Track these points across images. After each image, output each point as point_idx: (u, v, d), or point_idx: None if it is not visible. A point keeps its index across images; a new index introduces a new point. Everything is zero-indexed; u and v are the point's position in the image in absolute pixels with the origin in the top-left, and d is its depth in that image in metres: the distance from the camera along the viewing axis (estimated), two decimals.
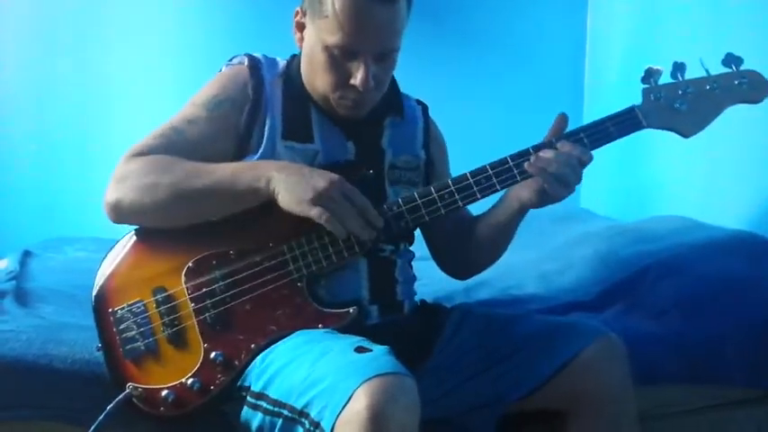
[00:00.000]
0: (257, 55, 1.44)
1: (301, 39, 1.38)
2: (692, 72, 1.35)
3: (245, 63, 1.41)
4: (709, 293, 1.64)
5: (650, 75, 1.34)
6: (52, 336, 1.43)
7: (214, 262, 1.31)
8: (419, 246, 1.55)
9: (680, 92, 1.34)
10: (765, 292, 1.63)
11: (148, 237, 1.35)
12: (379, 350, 1.13)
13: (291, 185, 1.23)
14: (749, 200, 2.00)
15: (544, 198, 1.32)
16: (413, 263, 1.52)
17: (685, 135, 1.36)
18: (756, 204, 1.99)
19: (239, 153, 1.37)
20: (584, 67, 3.23)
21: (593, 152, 1.31)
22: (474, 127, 2.96)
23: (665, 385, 1.54)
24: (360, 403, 1.03)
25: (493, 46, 3.16)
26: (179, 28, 3.00)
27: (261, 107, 1.38)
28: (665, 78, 1.34)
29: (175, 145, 1.33)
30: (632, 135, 1.36)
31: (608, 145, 1.34)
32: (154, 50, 2.96)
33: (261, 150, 1.35)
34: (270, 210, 1.27)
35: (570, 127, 1.34)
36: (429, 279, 1.78)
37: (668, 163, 2.45)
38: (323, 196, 1.22)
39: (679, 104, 1.34)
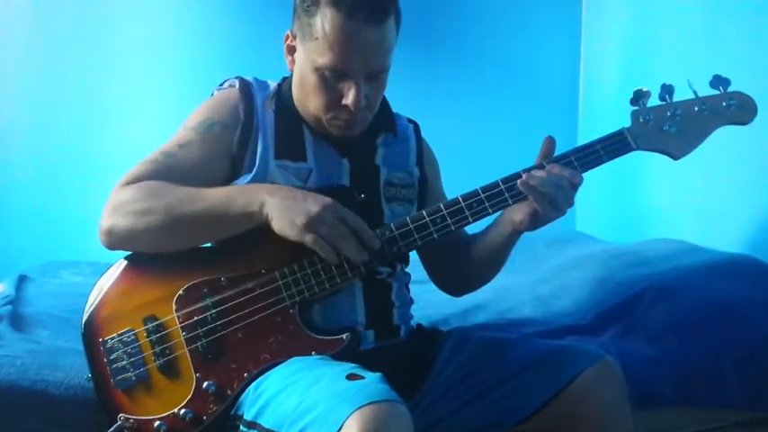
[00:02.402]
0: (248, 78, 1.45)
1: (292, 62, 1.39)
2: (681, 92, 1.36)
3: (236, 86, 1.42)
4: (704, 316, 1.64)
5: (639, 97, 1.35)
6: (48, 361, 1.42)
7: (205, 290, 1.30)
8: (415, 269, 1.55)
9: (669, 114, 1.35)
10: (761, 315, 1.63)
11: (138, 264, 1.35)
12: (371, 377, 1.13)
13: (284, 210, 1.23)
14: (745, 223, 2.00)
15: (536, 220, 1.32)
16: (409, 286, 1.52)
17: (675, 157, 1.36)
18: (752, 227, 1.99)
19: (232, 174, 1.37)
20: (578, 87, 3.24)
21: (585, 175, 1.32)
22: (470, 147, 2.97)
23: (663, 408, 1.54)
24: (351, 431, 1.02)
25: (488, 67, 3.18)
26: (179, 52, 3.01)
27: (252, 128, 1.38)
28: (653, 100, 1.35)
29: (168, 169, 1.33)
30: (626, 157, 1.37)
31: (600, 167, 1.34)
32: (154, 75, 2.97)
33: (254, 171, 1.35)
34: (261, 236, 1.26)
35: (564, 147, 1.35)
36: (425, 302, 1.78)
37: (664, 186, 2.46)
38: (316, 221, 1.21)
39: (668, 127, 1.34)
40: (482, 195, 1.31)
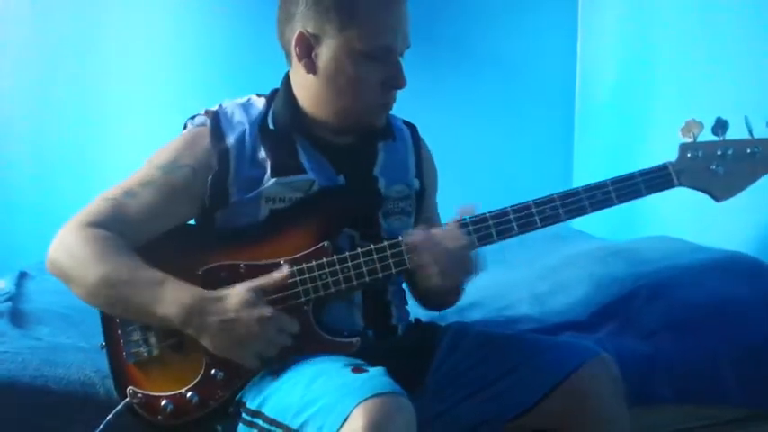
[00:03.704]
0: (226, 106, 1.40)
1: (311, 63, 1.33)
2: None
3: (207, 126, 1.37)
4: (700, 314, 1.65)
5: (689, 129, 1.26)
6: (48, 357, 1.43)
7: (223, 274, 1.29)
8: None
9: (719, 152, 1.26)
10: (757, 312, 1.64)
11: (159, 242, 1.33)
12: (374, 371, 1.14)
13: (217, 329, 1.20)
14: (743, 222, 2.00)
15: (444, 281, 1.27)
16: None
17: (717, 199, 1.30)
18: (751, 226, 1.99)
19: (219, 202, 1.34)
20: (574, 86, 3.25)
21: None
22: (467, 146, 2.97)
23: (659, 405, 1.55)
24: (357, 423, 1.03)
25: (485, 67, 3.18)
26: (177, 52, 3.01)
27: (230, 170, 1.34)
28: (705, 134, 1.27)
29: (125, 212, 1.30)
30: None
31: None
32: (151, 74, 2.97)
33: (251, 194, 1.33)
34: (284, 227, 1.27)
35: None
36: None
37: None
38: (258, 338, 1.20)
39: (716, 166, 1.27)
40: (511, 215, 1.29)
